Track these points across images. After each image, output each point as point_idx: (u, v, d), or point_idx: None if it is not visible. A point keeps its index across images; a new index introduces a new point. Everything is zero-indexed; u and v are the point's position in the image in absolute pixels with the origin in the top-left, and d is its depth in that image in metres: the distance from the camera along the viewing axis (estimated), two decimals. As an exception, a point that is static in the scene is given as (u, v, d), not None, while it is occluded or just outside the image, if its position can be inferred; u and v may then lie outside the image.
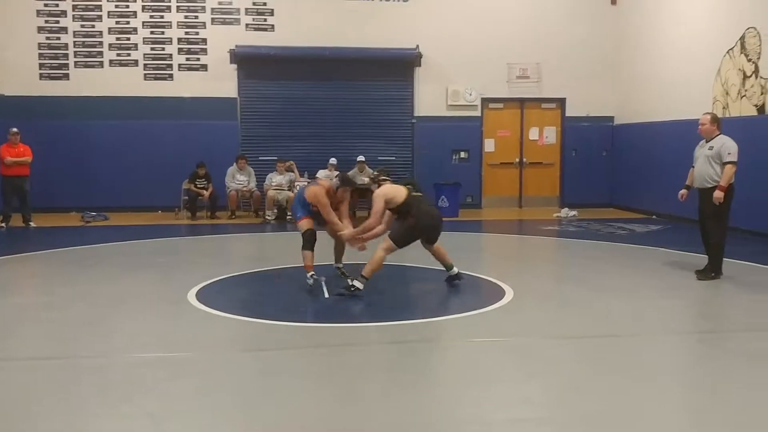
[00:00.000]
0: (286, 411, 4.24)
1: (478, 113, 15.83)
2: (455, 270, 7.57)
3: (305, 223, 7.55)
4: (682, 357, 5.53)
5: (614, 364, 5.14)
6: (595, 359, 5.25)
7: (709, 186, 7.83)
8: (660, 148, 13.82)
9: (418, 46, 15.20)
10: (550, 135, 16.13)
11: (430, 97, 15.57)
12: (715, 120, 8.04)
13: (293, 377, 4.83)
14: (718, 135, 7.93)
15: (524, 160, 16.10)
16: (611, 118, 16.04)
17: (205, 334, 5.90)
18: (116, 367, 5.06)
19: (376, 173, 8.44)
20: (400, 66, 15.45)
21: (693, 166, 8.18)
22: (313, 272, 7.43)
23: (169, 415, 4.17)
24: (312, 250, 7.50)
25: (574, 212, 14.59)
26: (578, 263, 9.46)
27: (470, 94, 15.64)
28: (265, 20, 15.27)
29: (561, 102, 16.04)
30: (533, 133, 16.10)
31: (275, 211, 13.83)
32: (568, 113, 16.02)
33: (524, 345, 5.62)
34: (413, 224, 7.12)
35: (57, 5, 14.86)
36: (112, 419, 4.09)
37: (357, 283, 7.00)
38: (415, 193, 7.29)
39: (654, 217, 13.96)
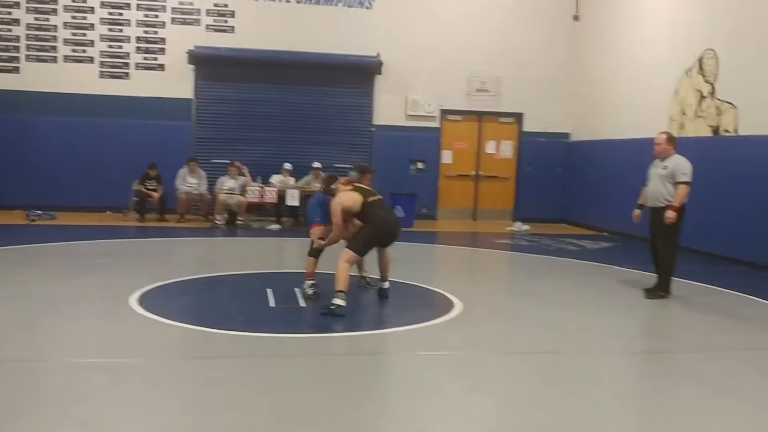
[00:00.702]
0: (221, 422, 4.10)
1: (436, 124, 15.84)
2: (387, 284, 7.44)
3: (317, 232, 7.33)
4: (626, 375, 5.52)
5: (558, 379, 5.11)
6: (540, 374, 5.21)
7: (662, 205, 7.87)
8: (614, 166, 13.96)
9: (379, 54, 15.15)
10: (507, 149, 16.21)
11: (390, 106, 15.53)
12: (670, 139, 8.09)
13: (230, 388, 4.67)
14: (673, 154, 7.99)
15: (480, 173, 16.14)
16: (567, 135, 16.18)
17: (144, 340, 5.71)
18: (49, 371, 4.87)
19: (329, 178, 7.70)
20: (360, 73, 15.38)
21: (646, 185, 8.23)
22: (313, 281, 7.29)
23: (100, 423, 4.00)
24: (317, 257, 7.36)
25: (527, 226, 14.66)
26: (528, 278, 9.46)
27: (429, 105, 15.64)
28: (226, 21, 15.08)
29: (518, 117, 16.13)
30: (490, 147, 16.16)
31: (226, 215, 13.61)
32: (525, 128, 16.12)
33: (469, 359, 5.56)
34: (371, 232, 6.96)
35: (11, -4, 14.48)
36: (39, 427, 3.90)
37: (338, 301, 6.58)
38: (372, 198, 7.06)
39: (605, 234, 14.09)
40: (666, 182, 7.86)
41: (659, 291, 7.98)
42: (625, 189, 11.66)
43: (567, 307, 7.51)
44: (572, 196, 15.97)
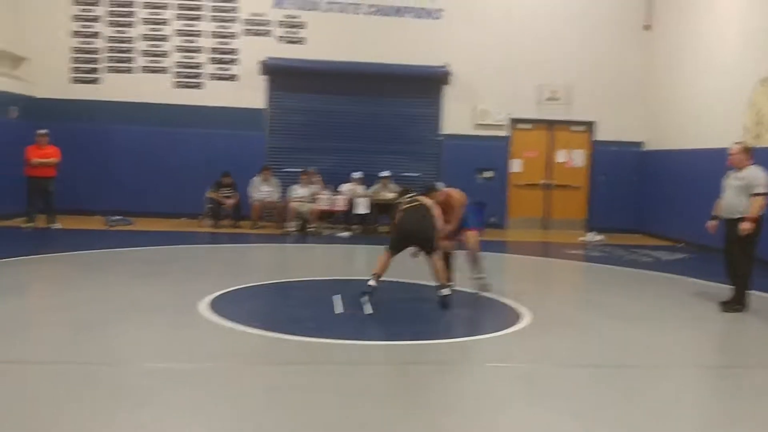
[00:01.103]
0: (280, 429, 4.12)
1: (505, 133, 15.68)
2: (444, 291, 7.32)
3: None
4: (697, 392, 5.33)
5: (626, 395, 4.96)
6: (607, 389, 5.07)
7: (737, 217, 7.60)
8: (689, 175, 13.54)
9: (447, 64, 15.12)
10: (578, 158, 15.93)
11: (458, 115, 15.46)
12: (746, 150, 7.81)
13: (293, 395, 4.71)
14: (748, 165, 7.71)
15: (551, 182, 15.90)
16: (640, 144, 15.80)
17: (211, 345, 5.82)
18: (116, 375, 5.00)
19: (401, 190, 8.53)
20: (428, 83, 15.38)
21: (721, 197, 7.96)
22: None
23: (160, 427, 4.07)
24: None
25: (600, 237, 14.35)
26: (600, 289, 9.26)
27: (499, 114, 15.50)
28: (297, 33, 15.30)
29: (590, 125, 15.84)
30: (561, 156, 15.92)
31: (297, 222, 13.79)
32: (598, 137, 15.82)
33: (536, 372, 5.46)
34: (393, 229, 7.75)
35: (92, 10, 15.03)
36: (102, 430, 4.00)
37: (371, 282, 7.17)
38: (410, 204, 7.52)
39: (681, 245, 13.68)
40: (741, 194, 7.58)
41: (735, 304, 7.70)
42: (701, 199, 11.26)
43: (639, 319, 7.30)
44: (647, 205, 15.57)
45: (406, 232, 7.46)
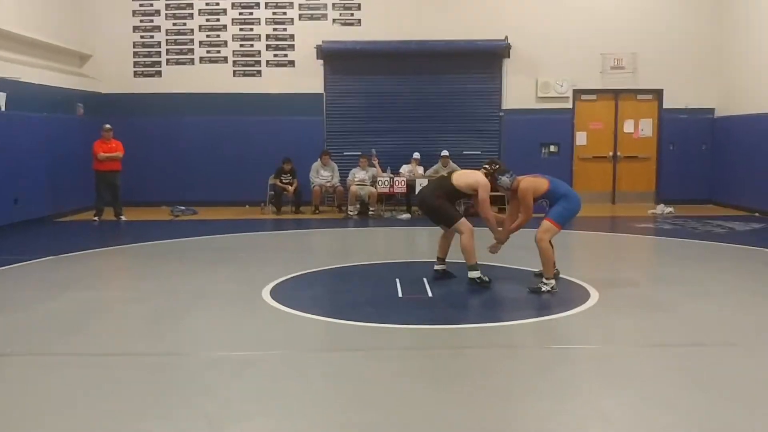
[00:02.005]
0: (345, 417, 4.07)
1: (569, 105, 15.28)
2: (473, 274, 7.19)
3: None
4: (782, 371, 5.03)
5: (703, 376, 4.72)
6: (683, 371, 4.83)
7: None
8: (764, 142, 12.97)
9: (506, 37, 14.79)
10: (646, 128, 15.42)
11: (519, 90, 15.13)
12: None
13: (358, 381, 4.65)
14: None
15: (618, 153, 15.44)
16: (712, 110, 15.17)
17: (274, 333, 5.81)
18: (182, 365, 5.02)
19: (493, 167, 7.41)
20: (488, 58, 15.08)
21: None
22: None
23: (225, 417, 4.06)
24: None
25: (670, 209, 13.88)
26: (672, 264, 8.91)
27: (561, 86, 15.10)
28: (352, 15, 15.19)
29: (658, 93, 15.29)
30: (628, 126, 15.43)
31: (357, 206, 13.76)
32: (666, 105, 15.25)
33: (605, 354, 5.25)
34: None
35: (151, 5, 15.26)
36: (166, 420, 4.02)
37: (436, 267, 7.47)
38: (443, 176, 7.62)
39: (756, 214, 13.11)
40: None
41: (820, 276, 7.30)
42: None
43: (714, 295, 6.99)
44: (719, 175, 14.98)
45: (418, 203, 7.50)
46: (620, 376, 4.75)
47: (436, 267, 7.59)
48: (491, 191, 7.26)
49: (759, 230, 11.42)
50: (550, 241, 7.04)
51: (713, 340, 5.53)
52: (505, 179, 7.19)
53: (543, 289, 6.92)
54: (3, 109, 11.56)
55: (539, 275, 7.28)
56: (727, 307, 6.54)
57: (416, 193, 7.49)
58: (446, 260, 7.61)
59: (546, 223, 7.03)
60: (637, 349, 5.36)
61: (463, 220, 7.23)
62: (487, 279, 7.21)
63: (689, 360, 5.07)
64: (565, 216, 7.11)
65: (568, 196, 7.17)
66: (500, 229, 7.41)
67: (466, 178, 7.32)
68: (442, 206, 7.25)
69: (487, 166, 7.32)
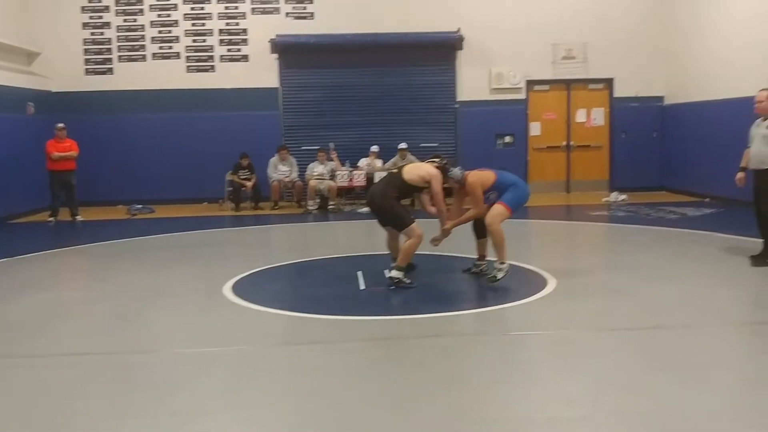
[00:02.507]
0: (310, 409, 4.11)
1: (522, 96, 15.48)
2: (394, 273, 6.96)
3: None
4: (735, 350, 5.21)
5: (661, 358, 4.87)
6: (641, 353, 4.99)
7: (766, 167, 7.44)
8: (713, 128, 13.31)
9: (459, 28, 14.91)
10: (598, 117, 15.70)
11: (473, 81, 15.27)
12: (773, 97, 7.61)
13: (323, 374, 4.70)
14: (776, 112, 7.52)
15: (571, 143, 15.70)
16: (661, 98, 15.52)
17: (237, 329, 5.82)
18: (145, 363, 5.01)
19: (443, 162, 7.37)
20: (441, 50, 15.18)
21: (748, 147, 7.77)
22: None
23: (192, 413, 4.08)
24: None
25: (623, 196, 14.18)
26: (627, 250, 9.13)
27: (514, 77, 15.29)
28: (305, 8, 15.15)
29: (609, 82, 15.58)
30: (580, 115, 15.70)
31: (317, 200, 13.77)
32: (617, 94, 15.56)
33: (565, 338, 5.38)
34: None
35: (100, 1, 14.98)
36: (134, 418, 4.01)
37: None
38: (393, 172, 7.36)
39: (707, 199, 13.47)
40: (770, 143, 7.40)
41: (766, 257, 7.55)
42: (727, 151, 11.12)
43: (668, 279, 7.19)
44: (670, 161, 15.34)
45: (368, 201, 7.39)
46: (581, 360, 4.88)
47: (393, 274, 7.07)
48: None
49: (710, 215, 11.75)
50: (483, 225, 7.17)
51: (669, 323, 5.69)
52: (456, 171, 7.14)
53: (499, 276, 6.88)
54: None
55: (479, 265, 7.46)
56: (682, 290, 6.73)
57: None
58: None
59: (497, 207, 6.98)
60: (596, 333, 5.51)
61: (415, 225, 6.90)
62: (409, 281, 6.92)
63: (647, 342, 5.23)
64: (516, 201, 7.10)
65: (517, 185, 7.20)
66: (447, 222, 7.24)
67: (417, 170, 7.13)
68: (393, 207, 7.00)
69: (436, 159, 7.29)
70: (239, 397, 4.32)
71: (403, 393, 4.33)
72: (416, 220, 7.02)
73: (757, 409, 4.06)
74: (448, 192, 7.27)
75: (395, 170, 7.24)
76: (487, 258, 7.42)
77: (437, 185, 7.00)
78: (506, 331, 5.63)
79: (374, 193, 7.26)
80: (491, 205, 7.06)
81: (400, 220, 6.96)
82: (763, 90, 7.76)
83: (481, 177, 7.09)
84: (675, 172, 15.17)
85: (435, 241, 7.31)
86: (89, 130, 14.23)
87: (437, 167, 7.12)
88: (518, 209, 7.22)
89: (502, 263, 6.93)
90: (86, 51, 15.03)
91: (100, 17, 15.02)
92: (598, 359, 4.89)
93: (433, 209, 7.34)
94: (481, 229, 7.36)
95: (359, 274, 7.46)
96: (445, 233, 7.28)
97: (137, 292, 7.14)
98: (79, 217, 12.84)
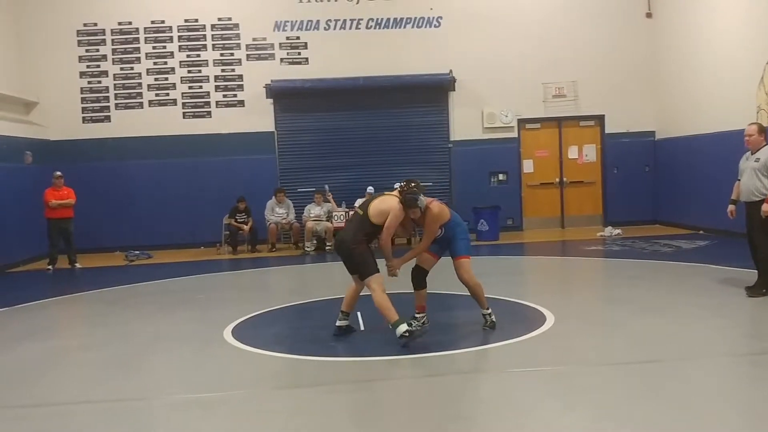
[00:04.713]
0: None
1: (515, 134, 15.68)
2: (341, 323, 6.79)
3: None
4: (733, 381, 5.25)
5: (659, 391, 4.90)
6: (640, 387, 5.02)
7: (756, 199, 7.55)
8: (703, 161, 13.49)
9: (451, 70, 15.16)
10: (590, 153, 15.89)
11: (466, 121, 15.49)
12: (762, 130, 7.76)
13: (323, 416, 4.71)
14: (765, 146, 7.65)
15: (564, 179, 15.86)
16: (652, 133, 15.74)
17: (238, 373, 5.85)
18: (146, 410, 5.03)
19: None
20: (434, 91, 15.42)
21: (739, 180, 7.90)
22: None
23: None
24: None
25: (618, 231, 14.28)
26: (623, 284, 9.18)
27: (506, 116, 15.51)
28: (299, 54, 15.41)
29: (600, 119, 15.80)
30: (572, 152, 15.88)
31: (314, 242, 13.85)
32: (608, 130, 15.77)
33: (564, 374, 5.42)
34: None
35: (98, 50, 15.24)
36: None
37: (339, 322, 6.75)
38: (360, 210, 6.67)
39: (701, 232, 13.59)
40: (760, 175, 7.54)
41: (761, 288, 7.62)
42: (718, 184, 11.27)
43: (665, 311, 7.25)
44: (663, 195, 15.49)
45: (336, 246, 6.85)
46: (580, 395, 4.92)
47: (339, 323, 6.80)
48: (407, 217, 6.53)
49: (704, 247, 11.84)
50: (425, 276, 6.81)
51: (666, 356, 5.73)
52: (423, 200, 6.50)
53: (492, 319, 6.76)
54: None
55: (420, 318, 6.85)
56: (677, 323, 6.78)
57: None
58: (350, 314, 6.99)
59: (463, 262, 6.61)
60: (595, 368, 5.54)
61: (376, 276, 6.40)
62: (417, 328, 6.53)
63: (644, 376, 5.27)
64: (468, 246, 6.79)
65: (462, 226, 6.80)
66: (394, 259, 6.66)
67: (381, 206, 6.52)
68: (361, 254, 6.43)
69: (402, 184, 6.59)
70: (242, 440, 4.34)
71: (405, 432, 4.36)
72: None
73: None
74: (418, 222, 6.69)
75: (361, 211, 6.61)
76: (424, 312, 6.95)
77: (391, 220, 6.44)
78: (506, 368, 5.66)
79: (345, 238, 6.58)
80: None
81: (364, 269, 6.45)
82: (752, 124, 7.94)
83: (442, 212, 6.61)
84: (668, 206, 15.31)
85: (391, 273, 6.67)
86: (87, 177, 14.36)
87: (400, 200, 6.49)
88: None
89: (488, 308, 6.79)
90: (84, 99, 15.23)
91: (98, 66, 15.24)
92: (597, 394, 4.93)
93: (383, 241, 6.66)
94: (419, 280, 6.78)
95: (359, 314, 7.50)
96: (394, 268, 6.63)
97: (136, 338, 7.16)
98: (77, 265, 12.89)
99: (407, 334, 6.14)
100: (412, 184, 6.50)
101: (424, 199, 6.51)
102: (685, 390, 4.91)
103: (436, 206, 6.59)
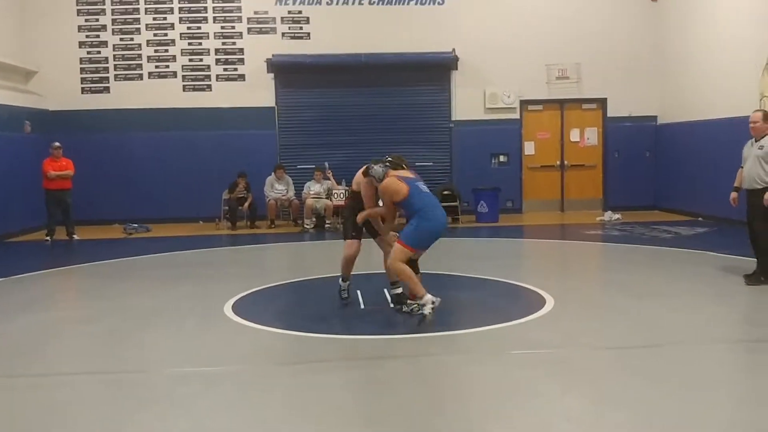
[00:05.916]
0: (314, 428, 4.15)
1: (516, 116, 15.62)
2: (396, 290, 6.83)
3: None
4: (729, 367, 5.30)
5: (658, 375, 4.93)
6: (638, 370, 5.04)
7: (759, 187, 7.53)
8: (705, 148, 13.45)
9: (454, 49, 15.05)
10: (592, 136, 15.84)
11: (468, 101, 15.41)
12: (766, 118, 7.73)
13: (323, 392, 4.73)
14: (768, 132, 7.63)
15: (565, 162, 15.83)
16: (654, 118, 15.69)
17: (239, 348, 5.85)
18: (147, 382, 5.04)
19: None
20: (436, 70, 15.33)
21: (741, 167, 7.88)
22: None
23: (198, 433, 4.12)
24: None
25: (617, 215, 14.28)
26: (622, 269, 9.20)
27: (508, 97, 15.43)
28: (301, 28, 15.28)
29: (602, 102, 15.74)
30: (574, 135, 15.83)
31: (314, 219, 13.83)
32: (610, 113, 15.72)
33: (563, 357, 5.44)
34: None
35: (97, 20, 15.09)
36: (141, 438, 4.05)
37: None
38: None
39: (700, 219, 13.59)
40: (763, 162, 7.50)
41: (760, 276, 7.64)
42: (720, 171, 11.26)
43: (663, 297, 7.27)
44: (663, 181, 15.48)
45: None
46: (580, 378, 4.95)
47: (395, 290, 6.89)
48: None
49: (703, 234, 11.85)
50: (416, 261, 6.68)
51: (665, 341, 5.76)
52: (377, 169, 6.50)
53: (425, 312, 6.13)
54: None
55: (410, 305, 6.59)
56: (676, 308, 6.80)
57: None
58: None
59: (397, 246, 6.38)
60: (594, 352, 5.57)
61: (347, 242, 6.99)
62: (345, 294, 7.13)
63: (643, 360, 5.29)
64: (418, 238, 6.31)
65: (424, 215, 6.31)
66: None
67: (358, 177, 6.88)
68: (347, 218, 7.14)
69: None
70: (242, 416, 4.35)
71: (407, 411, 4.37)
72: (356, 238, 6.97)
73: (753, 426, 4.12)
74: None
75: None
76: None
77: (364, 189, 6.73)
78: (506, 350, 5.68)
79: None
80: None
81: (344, 231, 7.18)
82: (757, 111, 7.90)
83: (393, 186, 6.37)
84: (668, 192, 15.30)
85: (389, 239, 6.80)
86: (85, 148, 14.27)
87: (363, 172, 6.74)
88: (423, 247, 6.48)
89: (421, 298, 6.20)
90: (83, 70, 15.10)
91: (97, 36, 15.11)
92: (597, 377, 4.96)
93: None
94: (410, 266, 6.45)
95: (359, 292, 7.50)
96: (384, 234, 6.86)
97: (136, 311, 7.16)
98: (75, 236, 12.84)
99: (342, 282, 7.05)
100: (388, 158, 6.68)
101: (380, 170, 6.48)
102: (682, 374, 4.93)
103: (387, 180, 6.42)
